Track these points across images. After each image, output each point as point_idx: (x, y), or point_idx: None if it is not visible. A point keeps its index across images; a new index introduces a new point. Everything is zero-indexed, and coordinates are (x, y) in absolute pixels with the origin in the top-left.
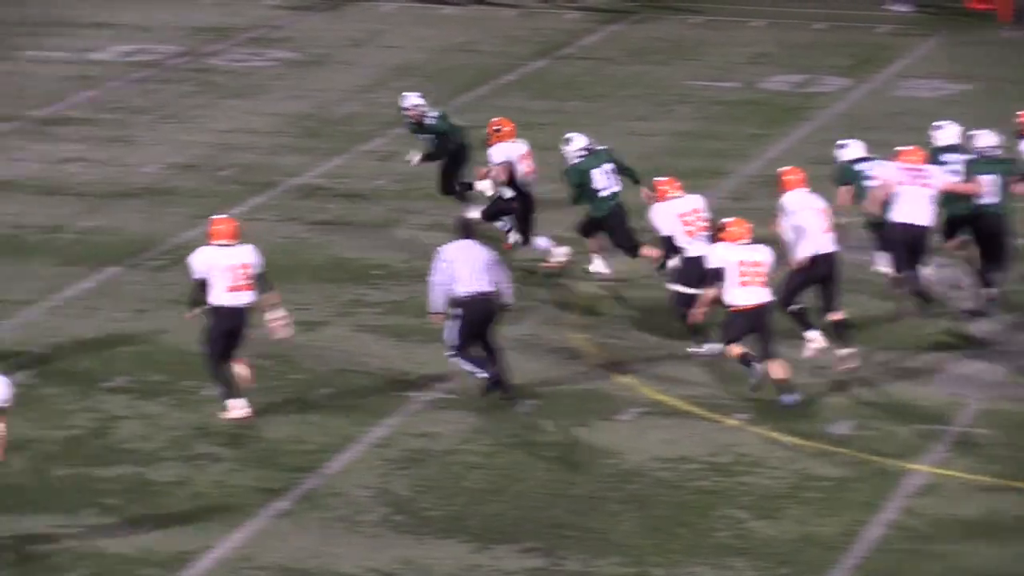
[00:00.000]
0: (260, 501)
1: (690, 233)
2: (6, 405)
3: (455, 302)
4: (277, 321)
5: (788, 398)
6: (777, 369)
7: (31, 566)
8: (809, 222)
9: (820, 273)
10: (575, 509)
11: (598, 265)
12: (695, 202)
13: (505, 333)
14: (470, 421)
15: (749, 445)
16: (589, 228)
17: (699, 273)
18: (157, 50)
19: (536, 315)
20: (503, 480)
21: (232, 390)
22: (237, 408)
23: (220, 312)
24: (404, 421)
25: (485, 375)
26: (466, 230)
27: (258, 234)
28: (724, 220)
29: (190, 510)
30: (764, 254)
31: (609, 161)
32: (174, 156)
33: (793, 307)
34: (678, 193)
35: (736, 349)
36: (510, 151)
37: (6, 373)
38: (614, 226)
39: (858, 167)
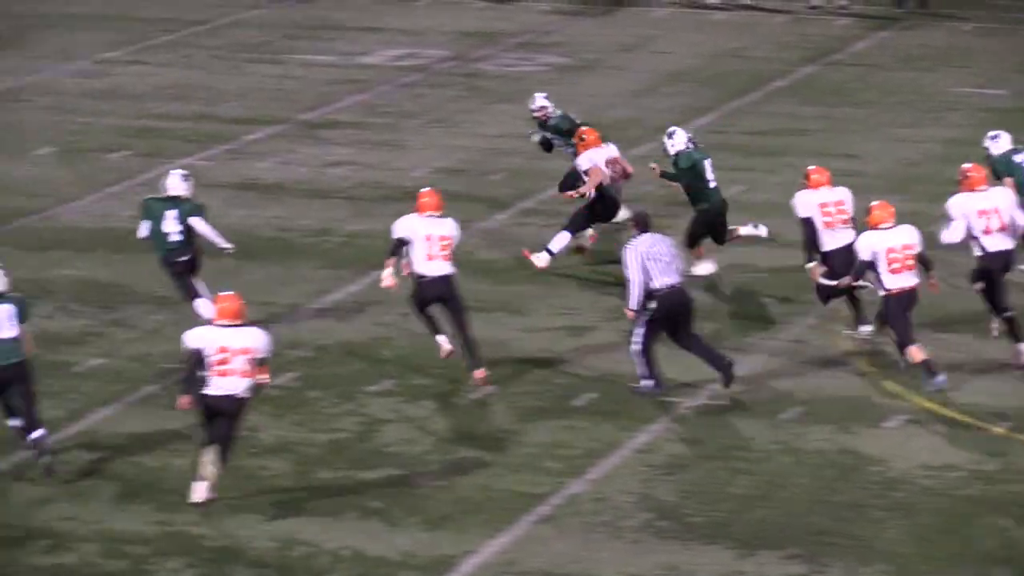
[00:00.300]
0: (523, 506)
1: (828, 224)
2: (267, 355)
3: (650, 296)
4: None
5: (939, 380)
6: (918, 352)
7: (293, 568)
8: (980, 222)
9: (993, 270)
10: (839, 516)
11: (706, 267)
12: (841, 194)
13: (772, 336)
14: (735, 427)
15: (1015, 453)
16: (697, 231)
17: (840, 263)
18: (426, 54)
19: (804, 320)
20: (767, 486)
21: (436, 328)
22: (443, 344)
23: (419, 280)
24: (668, 427)
25: (650, 386)
26: (646, 224)
27: (524, 238)
28: (871, 204)
29: (453, 514)
30: (911, 235)
31: (709, 159)
32: (442, 160)
33: (1008, 313)
34: (826, 184)
35: (919, 354)
36: (597, 157)
37: (273, 375)
38: (717, 218)
39: (1017, 158)
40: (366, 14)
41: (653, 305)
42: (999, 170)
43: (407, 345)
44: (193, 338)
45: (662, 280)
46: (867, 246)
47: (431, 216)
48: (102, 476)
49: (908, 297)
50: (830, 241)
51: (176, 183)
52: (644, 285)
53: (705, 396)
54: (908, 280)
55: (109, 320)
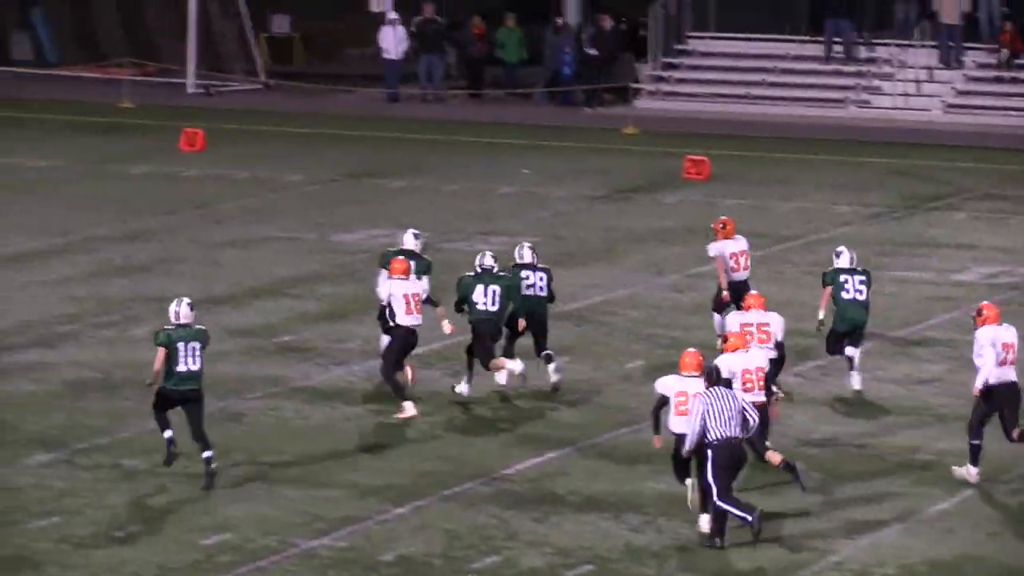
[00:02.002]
0: None
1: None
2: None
3: (707, 444)
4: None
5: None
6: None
7: None
8: (990, 355)
9: (999, 403)
10: None
11: (505, 374)
12: (763, 317)
13: None
14: None
15: None
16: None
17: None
18: (1020, 272)
19: None
20: None
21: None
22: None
23: (399, 330)
24: None
25: (750, 518)
26: (715, 377)
27: None
28: (727, 333)
29: None
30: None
31: (497, 285)
32: None
33: (975, 441)
34: (757, 306)
35: (776, 457)
36: (724, 247)
37: None
38: (479, 337)
39: (842, 278)
40: (961, 231)
41: (709, 454)
42: (825, 282)
43: None
44: (661, 385)
45: (718, 431)
46: (725, 365)
47: (400, 279)
48: None
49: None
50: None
51: (410, 239)
52: (701, 434)
53: None
54: (758, 397)
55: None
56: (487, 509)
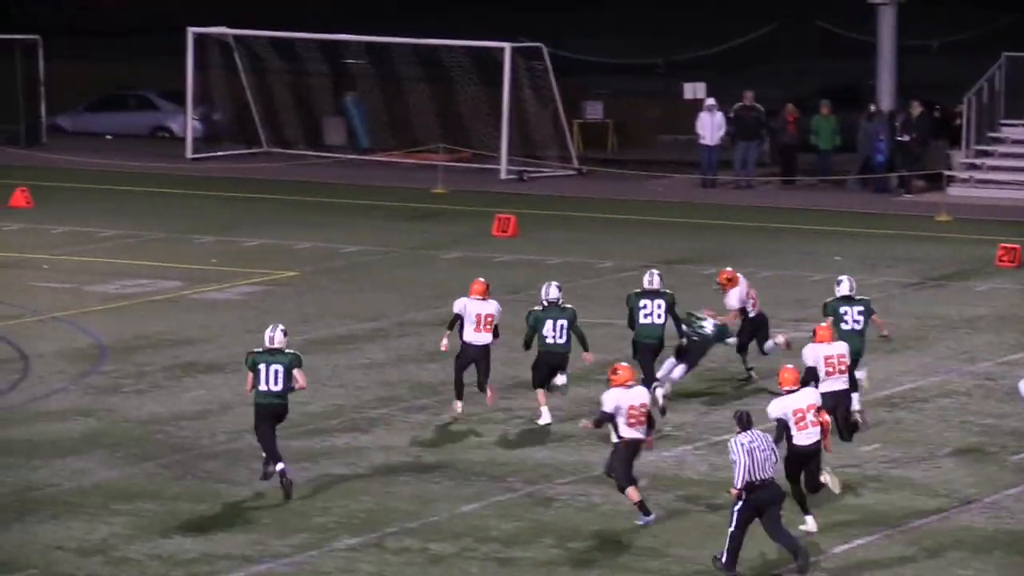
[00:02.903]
0: None
1: (830, 373)
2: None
3: (745, 485)
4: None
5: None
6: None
7: None
8: None
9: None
10: None
11: (545, 416)
12: (841, 348)
13: None
14: None
15: None
16: (533, 375)
17: (831, 405)
18: None
19: None
20: None
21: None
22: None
23: (464, 345)
24: None
25: (726, 566)
26: (747, 422)
27: None
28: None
29: None
30: (644, 396)
31: (564, 319)
32: None
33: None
34: (827, 339)
35: (635, 494)
36: (738, 294)
37: None
38: (545, 368)
39: (843, 308)
40: None
41: (744, 494)
42: (826, 312)
43: None
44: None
45: (755, 473)
46: (612, 400)
47: (478, 299)
48: None
49: (635, 446)
50: (825, 386)
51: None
52: (748, 471)
53: None
54: (639, 433)
55: None
56: None
